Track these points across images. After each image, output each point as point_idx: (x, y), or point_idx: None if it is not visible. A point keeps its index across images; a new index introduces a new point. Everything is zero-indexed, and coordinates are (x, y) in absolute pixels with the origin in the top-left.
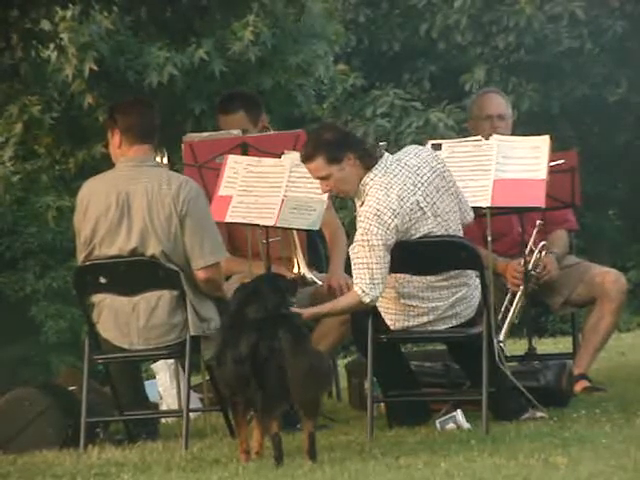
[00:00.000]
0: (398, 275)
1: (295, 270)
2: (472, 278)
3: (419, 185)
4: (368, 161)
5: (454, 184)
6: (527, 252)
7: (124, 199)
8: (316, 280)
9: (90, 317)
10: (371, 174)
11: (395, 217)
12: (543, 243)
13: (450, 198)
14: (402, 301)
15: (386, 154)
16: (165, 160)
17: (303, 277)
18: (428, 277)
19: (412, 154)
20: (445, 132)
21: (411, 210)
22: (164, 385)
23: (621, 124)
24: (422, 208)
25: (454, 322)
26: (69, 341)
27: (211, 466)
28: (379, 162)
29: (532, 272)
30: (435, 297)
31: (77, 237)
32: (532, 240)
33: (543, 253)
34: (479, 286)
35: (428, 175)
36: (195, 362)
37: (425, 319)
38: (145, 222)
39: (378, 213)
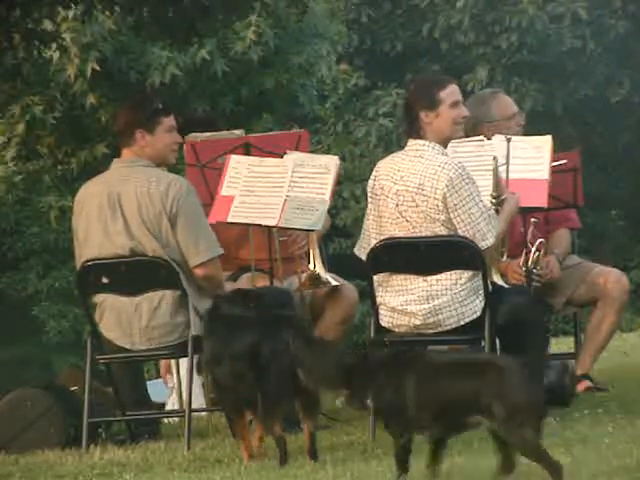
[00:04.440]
0: (382, 274)
1: (311, 267)
2: (456, 287)
3: (406, 181)
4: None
5: (446, 218)
6: (525, 250)
7: (115, 200)
8: (331, 280)
9: (92, 317)
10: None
11: (373, 178)
12: (541, 240)
13: (423, 217)
14: (386, 300)
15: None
16: None
17: (318, 276)
18: (404, 276)
19: (444, 166)
20: None
21: (382, 186)
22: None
23: (624, 124)
24: (386, 194)
25: (439, 329)
26: (71, 341)
27: (213, 466)
28: (413, 143)
29: (533, 271)
30: (411, 300)
31: (75, 239)
32: (529, 237)
33: (542, 251)
34: (468, 299)
35: (429, 188)
36: None
37: (406, 320)
38: (137, 222)
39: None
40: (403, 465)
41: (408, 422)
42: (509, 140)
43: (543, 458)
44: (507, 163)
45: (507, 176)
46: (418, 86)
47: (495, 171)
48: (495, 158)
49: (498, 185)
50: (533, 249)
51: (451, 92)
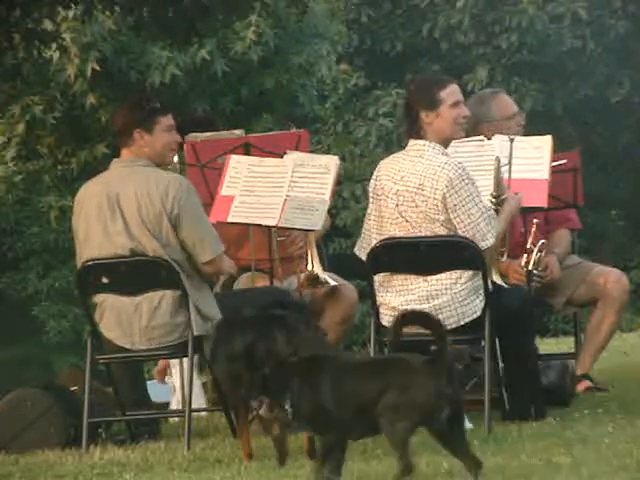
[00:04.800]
0: (382, 274)
1: (309, 267)
2: (456, 286)
3: (406, 181)
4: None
5: (446, 218)
6: (527, 251)
7: (114, 200)
8: (329, 280)
9: (92, 317)
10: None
11: (374, 178)
12: (542, 241)
13: (423, 217)
14: (386, 300)
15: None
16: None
17: (316, 276)
18: (404, 276)
19: (443, 167)
20: None
21: (382, 186)
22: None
23: (624, 124)
24: (386, 194)
25: None
26: (71, 341)
27: (213, 466)
28: (414, 143)
29: (533, 271)
30: (412, 299)
31: (75, 239)
32: (531, 239)
33: (543, 252)
34: (468, 298)
35: (428, 188)
36: None
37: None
38: (137, 222)
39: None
40: (337, 469)
41: (328, 424)
42: (512, 140)
43: (402, 455)
44: (509, 163)
45: (509, 176)
46: (418, 86)
47: (497, 171)
48: (497, 158)
49: (499, 185)
50: (535, 250)
51: (452, 92)
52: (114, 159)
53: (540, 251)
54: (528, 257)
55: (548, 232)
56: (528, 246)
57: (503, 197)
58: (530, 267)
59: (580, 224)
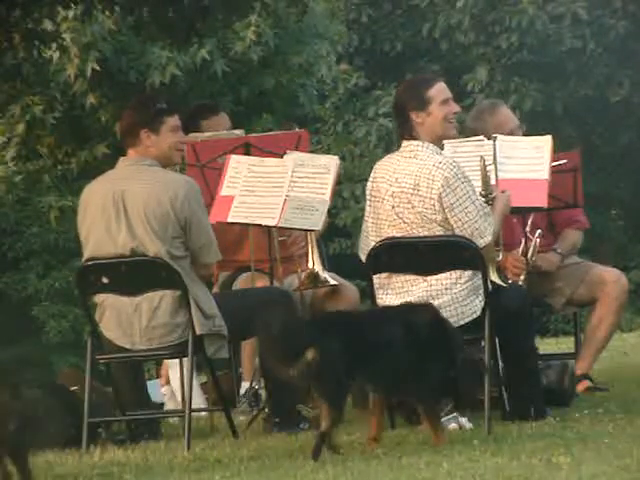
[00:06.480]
0: (382, 275)
1: (309, 266)
2: (456, 286)
3: (401, 182)
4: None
5: (443, 218)
6: (524, 241)
7: (119, 198)
8: (329, 279)
9: (92, 317)
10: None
11: (371, 180)
12: (539, 231)
13: (420, 218)
14: (386, 301)
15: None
16: None
17: (316, 275)
18: (404, 277)
19: (438, 166)
20: None
21: (379, 188)
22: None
23: (624, 124)
24: (383, 196)
25: None
26: (71, 341)
27: (213, 466)
28: (407, 144)
29: (529, 260)
30: (412, 300)
31: (81, 239)
32: (528, 228)
33: (538, 240)
34: (467, 298)
35: (424, 188)
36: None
37: None
38: (142, 221)
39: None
40: None
41: None
42: (495, 139)
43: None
44: (495, 162)
45: (496, 176)
46: (406, 87)
47: (483, 170)
48: (482, 157)
49: (487, 184)
50: (533, 239)
51: (439, 90)
52: (121, 158)
53: (537, 239)
54: (527, 245)
55: (555, 234)
56: (526, 235)
57: (492, 195)
58: (529, 256)
59: (588, 224)
